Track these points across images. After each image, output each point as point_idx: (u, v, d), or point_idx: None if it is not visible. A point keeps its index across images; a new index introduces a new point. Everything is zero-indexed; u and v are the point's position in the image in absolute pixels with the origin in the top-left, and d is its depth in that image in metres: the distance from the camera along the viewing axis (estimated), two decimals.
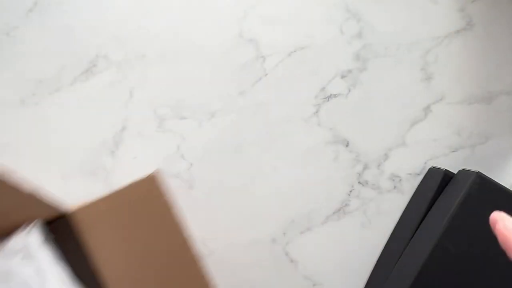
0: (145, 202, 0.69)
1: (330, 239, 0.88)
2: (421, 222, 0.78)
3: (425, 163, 0.87)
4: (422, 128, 0.86)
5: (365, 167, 0.88)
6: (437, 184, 0.79)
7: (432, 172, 0.83)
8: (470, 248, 0.73)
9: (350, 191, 0.88)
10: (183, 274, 0.69)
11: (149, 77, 0.86)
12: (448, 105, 0.86)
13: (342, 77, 0.86)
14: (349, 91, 0.87)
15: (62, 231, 0.64)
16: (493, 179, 0.81)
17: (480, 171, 0.75)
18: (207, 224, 0.87)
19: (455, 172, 0.80)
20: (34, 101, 0.85)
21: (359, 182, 0.88)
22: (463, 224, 0.73)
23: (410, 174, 0.87)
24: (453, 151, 0.86)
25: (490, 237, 0.74)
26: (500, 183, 0.76)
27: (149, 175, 0.70)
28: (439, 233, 0.72)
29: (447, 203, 0.75)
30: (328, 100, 0.87)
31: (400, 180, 0.87)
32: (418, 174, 0.87)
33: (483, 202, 0.74)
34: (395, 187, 0.88)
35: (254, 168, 0.88)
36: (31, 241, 0.56)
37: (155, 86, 0.86)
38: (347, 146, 0.87)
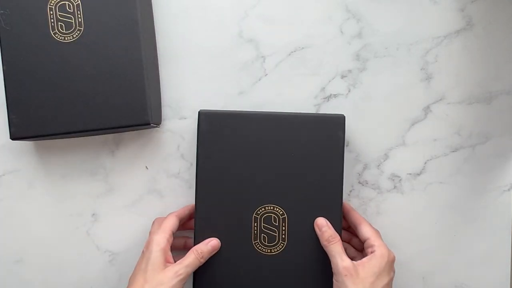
0: None
1: None
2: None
3: (425, 163, 0.87)
4: (422, 128, 0.86)
5: (365, 167, 0.88)
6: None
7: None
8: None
9: (350, 191, 0.88)
10: None
11: None
12: (448, 105, 0.86)
13: (342, 77, 0.86)
14: (349, 91, 0.87)
15: None
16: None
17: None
18: None
19: None
20: None
21: (359, 182, 0.88)
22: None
23: (410, 174, 0.87)
24: (453, 151, 0.87)
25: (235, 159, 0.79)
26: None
27: None
28: None
29: None
30: (328, 100, 0.87)
31: (400, 180, 0.87)
32: (418, 174, 0.87)
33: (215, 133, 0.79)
34: (395, 187, 0.88)
35: None
36: None
37: None
38: (347, 146, 0.87)
